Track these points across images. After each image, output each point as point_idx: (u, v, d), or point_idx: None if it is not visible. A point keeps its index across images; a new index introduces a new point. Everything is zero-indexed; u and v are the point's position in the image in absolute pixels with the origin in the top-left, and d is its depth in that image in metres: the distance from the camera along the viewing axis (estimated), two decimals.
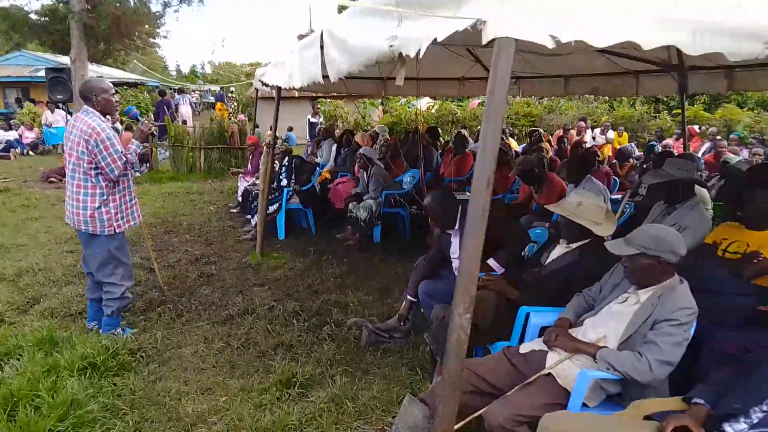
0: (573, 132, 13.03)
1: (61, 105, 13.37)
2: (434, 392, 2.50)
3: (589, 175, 4.99)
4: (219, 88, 25.28)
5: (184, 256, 6.18)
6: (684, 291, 2.30)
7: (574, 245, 3.02)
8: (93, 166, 3.71)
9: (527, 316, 2.82)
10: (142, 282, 5.19)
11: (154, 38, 15.08)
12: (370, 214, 6.69)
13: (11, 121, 15.20)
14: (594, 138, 13.76)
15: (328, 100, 14.48)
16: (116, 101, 3.94)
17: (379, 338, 3.90)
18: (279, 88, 5.22)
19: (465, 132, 9.37)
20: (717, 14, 1.52)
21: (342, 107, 14.76)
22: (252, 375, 3.46)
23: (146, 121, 4.20)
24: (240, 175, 8.92)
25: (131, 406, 3.09)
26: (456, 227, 3.70)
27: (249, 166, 8.84)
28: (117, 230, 3.87)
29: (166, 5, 12.59)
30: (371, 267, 5.79)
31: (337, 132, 10.62)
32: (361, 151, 7.05)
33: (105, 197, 3.78)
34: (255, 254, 6.12)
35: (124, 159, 3.75)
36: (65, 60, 13.98)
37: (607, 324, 2.42)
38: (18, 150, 13.96)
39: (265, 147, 6.70)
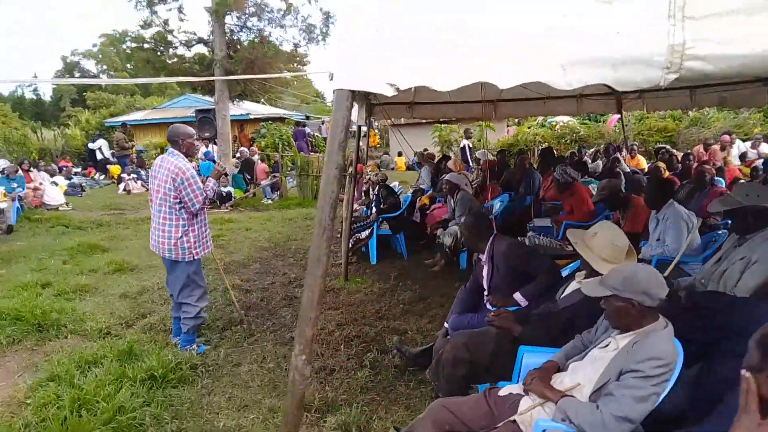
0: (716, 147, 11.69)
1: (208, 143, 15.19)
2: (413, 428, 2.50)
3: (671, 200, 4.52)
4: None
5: (279, 279, 6.68)
6: (661, 339, 2.05)
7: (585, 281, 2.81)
8: (178, 201, 4.25)
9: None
10: (230, 303, 5.72)
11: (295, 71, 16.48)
12: (455, 241, 6.68)
13: None
14: (746, 154, 12.19)
15: (443, 125, 14.64)
16: (197, 145, 4.48)
17: (408, 362, 3.93)
18: None
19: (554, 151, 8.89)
20: (591, 45, 1.41)
21: (458, 131, 14.82)
22: (284, 396, 3.68)
23: (219, 163, 4.70)
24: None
25: (174, 416, 3.46)
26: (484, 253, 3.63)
27: (354, 192, 9.29)
28: (195, 257, 4.37)
29: (296, 46, 13.87)
30: (446, 294, 5.76)
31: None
32: (446, 177, 7.09)
33: (186, 228, 4.30)
34: (340, 278, 6.42)
35: (204, 195, 4.25)
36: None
37: (585, 370, 2.24)
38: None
39: (348, 176, 7.01)
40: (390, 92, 1.43)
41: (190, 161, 4.45)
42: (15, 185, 11.14)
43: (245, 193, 13.50)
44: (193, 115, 17.59)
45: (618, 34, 1.38)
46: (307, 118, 27.14)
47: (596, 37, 1.40)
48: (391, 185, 8.28)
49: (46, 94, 52.65)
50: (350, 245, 7.36)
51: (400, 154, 19.55)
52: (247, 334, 4.89)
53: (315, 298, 1.84)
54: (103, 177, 17.82)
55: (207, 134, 13.94)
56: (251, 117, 21.12)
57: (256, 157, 13.67)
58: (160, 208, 4.34)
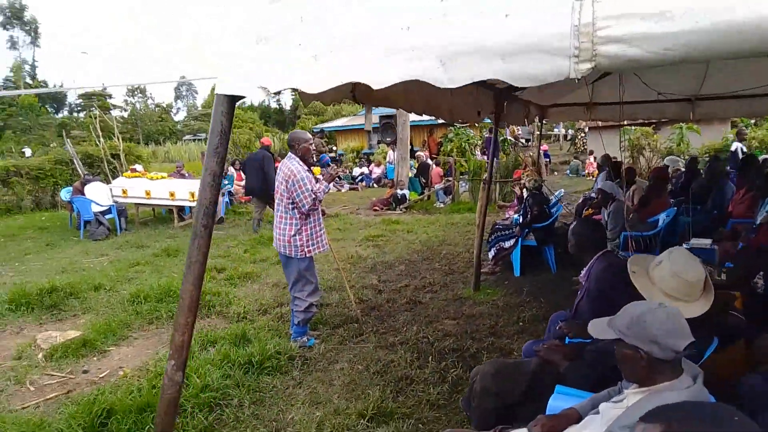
0: None
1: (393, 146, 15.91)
2: None
3: None
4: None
5: (415, 282, 6.71)
6: (667, 400, 1.57)
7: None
8: (290, 201, 4.58)
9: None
10: (357, 302, 5.92)
11: None
12: None
13: (371, 158, 18.92)
14: None
15: (633, 127, 13.10)
16: (313, 149, 4.75)
17: None
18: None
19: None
20: (473, 32, 1.15)
21: (650, 135, 13.11)
22: (355, 400, 3.69)
23: (333, 167, 4.90)
24: (507, 207, 9.06)
25: (254, 401, 3.73)
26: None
27: (515, 200, 8.90)
28: (307, 254, 4.64)
29: None
30: None
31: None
32: (599, 185, 6.36)
33: (299, 227, 4.60)
34: (469, 288, 6.21)
35: (314, 196, 4.51)
36: None
37: (594, 426, 1.82)
38: (364, 183, 17.21)
39: (481, 182, 6.72)
40: (262, 95, 1.35)
41: (308, 165, 4.72)
42: (225, 182, 13.04)
43: (419, 195, 13.83)
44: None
45: (507, 17, 1.09)
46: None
47: (480, 21, 1.13)
48: (546, 193, 7.71)
49: (287, 104, 60.41)
50: (494, 254, 7.09)
51: (596, 159, 18.12)
52: (357, 333, 5.01)
53: (186, 305, 1.83)
54: None
55: (388, 139, 14.61)
56: (440, 122, 21.50)
57: (432, 162, 13.89)
58: (278, 208, 4.69)
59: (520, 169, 10.15)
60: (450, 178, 13.37)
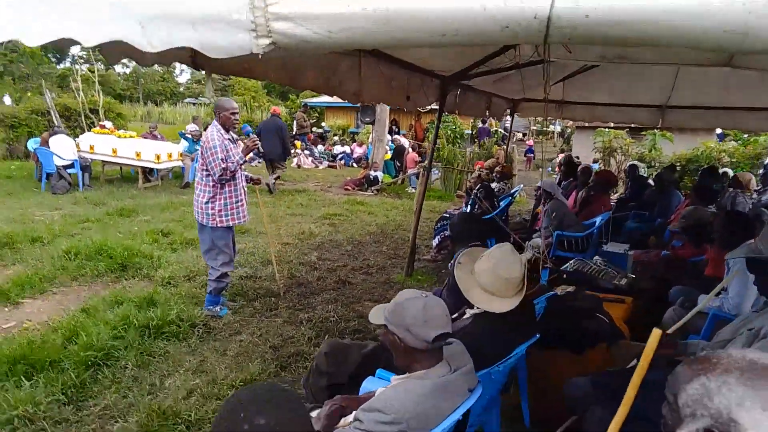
0: None
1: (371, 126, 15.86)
2: None
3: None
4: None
5: (354, 263, 6.72)
6: (408, 389, 1.59)
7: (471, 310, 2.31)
8: (204, 168, 4.57)
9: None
10: (288, 277, 5.93)
11: None
12: (535, 254, 5.99)
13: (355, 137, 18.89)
14: None
15: (606, 129, 13.06)
16: (235, 119, 4.70)
17: None
18: None
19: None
20: None
21: (623, 137, 13.06)
22: (238, 371, 3.71)
23: (253, 138, 4.84)
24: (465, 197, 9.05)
25: (137, 364, 3.74)
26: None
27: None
28: (219, 225, 4.62)
29: None
30: None
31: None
32: (540, 182, 6.35)
33: (212, 195, 4.58)
34: (402, 274, 6.23)
35: (223, 165, 4.47)
36: None
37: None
38: (343, 161, 17.16)
39: (422, 169, 6.70)
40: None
41: (228, 133, 4.67)
42: (197, 147, 12.94)
43: (393, 179, 13.80)
44: None
45: None
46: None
47: None
48: (499, 187, 7.69)
49: None
50: (438, 242, 7.11)
51: (594, 161, 18.15)
52: (272, 307, 5.02)
53: None
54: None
55: (368, 119, 14.53)
56: (430, 108, 21.34)
57: (407, 145, 13.83)
58: (198, 174, 4.68)
59: (482, 161, 10.14)
60: (423, 164, 13.31)
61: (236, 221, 4.71)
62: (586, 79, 7.19)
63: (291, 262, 6.60)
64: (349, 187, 13.19)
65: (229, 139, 4.64)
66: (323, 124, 22.82)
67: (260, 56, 1.11)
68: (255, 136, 4.77)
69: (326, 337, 4.29)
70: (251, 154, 4.73)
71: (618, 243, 5.04)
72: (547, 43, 1.18)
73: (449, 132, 19.40)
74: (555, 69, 6.45)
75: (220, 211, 4.59)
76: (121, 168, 12.46)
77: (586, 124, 18.22)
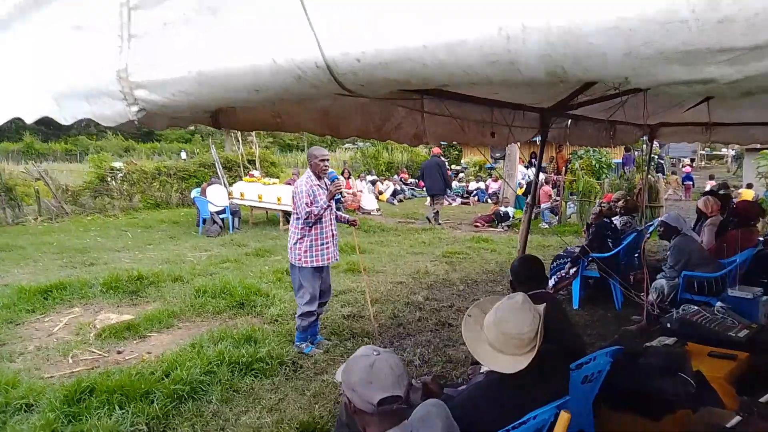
0: None
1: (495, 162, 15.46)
2: None
3: None
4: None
5: (462, 304, 6.52)
6: None
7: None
8: (295, 211, 4.85)
9: None
10: (386, 316, 5.95)
11: None
12: (661, 297, 5.33)
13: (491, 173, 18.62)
14: None
15: None
16: (324, 165, 4.92)
17: None
18: None
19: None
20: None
21: None
22: (309, 412, 3.77)
23: (336, 182, 4.99)
24: None
25: (221, 399, 3.98)
26: None
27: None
28: (304, 264, 4.83)
29: None
30: None
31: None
32: (662, 218, 5.65)
33: (300, 236, 4.83)
34: None
35: (308, 209, 4.70)
36: None
37: None
38: (477, 198, 16.92)
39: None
40: None
41: (320, 179, 4.91)
42: None
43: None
44: None
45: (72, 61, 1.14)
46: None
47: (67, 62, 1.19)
48: (625, 222, 6.99)
49: None
50: (554, 282, 6.65)
51: (749, 186, 15.93)
52: (358, 347, 5.04)
53: None
54: None
55: (498, 155, 14.25)
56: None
57: (542, 179, 13.24)
58: (291, 218, 5.00)
59: (611, 193, 9.27)
60: (558, 198, 12.64)
61: (320, 262, 4.87)
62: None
63: (397, 302, 6.61)
64: (479, 224, 12.96)
65: (317, 185, 4.87)
66: (462, 161, 22.86)
67: (136, 122, 1.17)
68: (339, 180, 4.93)
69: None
70: (337, 196, 4.90)
71: (749, 287, 4.26)
72: (348, 90, 1.13)
73: (594, 163, 18.28)
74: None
75: (306, 251, 4.80)
76: (266, 212, 13.62)
77: (759, 146, 16.01)
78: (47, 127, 44.67)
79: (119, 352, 5.07)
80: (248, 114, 2.46)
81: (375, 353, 1.68)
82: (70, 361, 4.87)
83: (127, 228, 12.62)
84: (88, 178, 14.74)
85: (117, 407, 3.69)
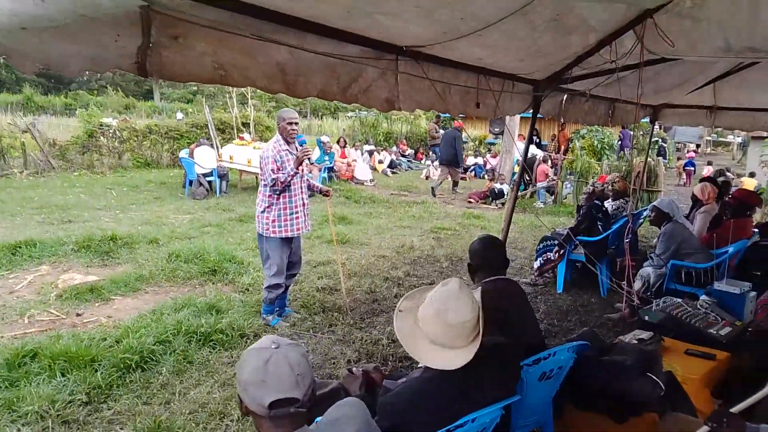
0: None
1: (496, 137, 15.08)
2: None
3: None
4: None
5: (438, 279, 6.32)
6: None
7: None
8: (262, 178, 4.59)
9: None
10: (362, 291, 5.74)
11: None
12: (646, 286, 5.10)
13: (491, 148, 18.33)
14: None
15: None
16: (292, 129, 4.61)
17: None
18: None
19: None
20: None
21: None
22: None
23: (304, 147, 4.67)
24: None
25: (173, 370, 3.77)
26: None
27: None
28: (272, 234, 4.58)
29: None
30: None
31: None
32: (655, 202, 5.38)
33: (267, 205, 4.57)
34: None
35: (274, 176, 4.43)
36: None
37: None
38: (474, 173, 16.60)
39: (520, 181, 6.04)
40: None
41: (288, 143, 4.61)
42: (326, 159, 13.42)
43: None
44: None
45: None
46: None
47: None
48: (617, 206, 6.72)
49: None
50: (540, 264, 6.42)
51: (752, 175, 15.61)
52: (331, 323, 4.85)
53: None
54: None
55: (497, 129, 13.89)
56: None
57: (539, 157, 12.91)
58: (260, 185, 4.75)
59: (605, 174, 8.97)
60: (555, 177, 12.33)
61: (289, 233, 4.62)
62: (742, 79, 5.91)
63: (376, 276, 6.40)
64: (473, 200, 12.69)
65: (286, 150, 4.58)
66: (463, 135, 22.38)
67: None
68: (306, 146, 4.64)
69: (362, 360, 4.00)
70: (305, 163, 4.61)
71: (737, 281, 4.01)
72: None
73: (596, 142, 17.90)
74: (698, 69, 5.47)
75: (274, 221, 4.55)
76: (256, 177, 13.31)
77: (765, 134, 15.62)
78: (48, 80, 44.20)
79: (78, 315, 4.87)
80: (182, 63, 2.18)
81: (273, 346, 1.44)
82: (26, 321, 4.67)
83: (113, 186, 12.33)
84: (76, 134, 14.38)
85: (60, 374, 3.49)
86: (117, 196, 11.20)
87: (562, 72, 4.79)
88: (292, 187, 4.58)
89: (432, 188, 13.30)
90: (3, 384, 3.37)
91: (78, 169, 13.84)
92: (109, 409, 3.25)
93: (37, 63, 1.75)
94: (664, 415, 2.27)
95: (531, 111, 5.35)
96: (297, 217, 4.67)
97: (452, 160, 13.76)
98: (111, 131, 14.63)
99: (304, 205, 4.73)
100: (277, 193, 4.51)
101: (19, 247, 6.53)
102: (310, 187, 4.95)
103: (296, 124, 4.62)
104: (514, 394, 1.92)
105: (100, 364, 3.66)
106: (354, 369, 2.26)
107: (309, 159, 4.65)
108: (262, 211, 4.59)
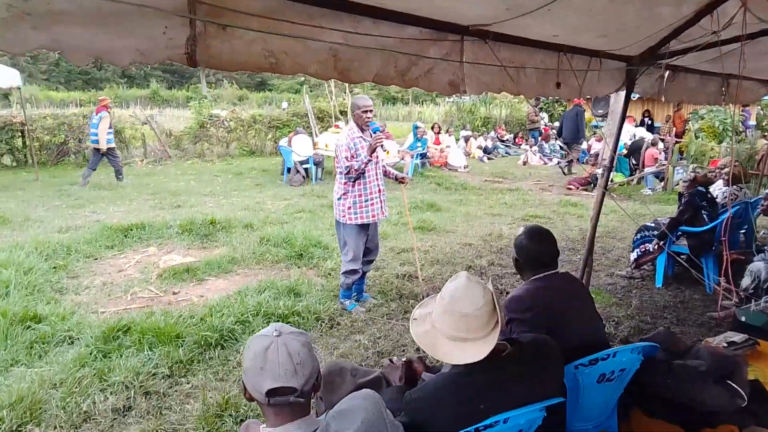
0: None
1: (603, 119, 14.10)
2: None
3: None
4: None
5: None
6: None
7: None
8: (337, 166, 4.64)
9: None
10: (444, 278, 5.66)
11: None
12: (757, 283, 4.58)
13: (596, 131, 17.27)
14: None
15: None
16: (367, 117, 4.60)
17: None
18: None
19: None
20: None
21: None
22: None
23: (377, 135, 4.60)
24: None
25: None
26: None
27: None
28: (348, 221, 4.63)
29: None
30: None
31: None
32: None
33: (344, 192, 4.62)
34: None
35: (348, 164, 4.45)
36: None
37: None
38: (576, 159, 15.75)
39: (601, 171, 5.60)
40: None
41: (363, 131, 4.62)
42: (419, 145, 13.35)
43: (627, 178, 12.18)
44: None
45: None
46: None
47: None
48: (725, 194, 6.06)
49: None
50: (637, 256, 5.98)
51: None
52: (407, 310, 4.83)
53: None
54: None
55: (600, 111, 13.04)
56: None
57: (648, 140, 11.96)
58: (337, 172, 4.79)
59: (718, 159, 8.04)
60: (665, 162, 11.37)
61: (365, 219, 4.63)
62: None
63: (458, 264, 6.29)
64: (573, 186, 12.07)
65: (360, 137, 4.59)
66: (541, 116, 21.35)
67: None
68: (380, 133, 4.60)
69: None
70: (378, 150, 4.57)
71: None
72: None
73: (717, 123, 16.32)
74: None
75: (349, 208, 4.59)
76: None
77: None
78: (172, 75, 48.02)
79: (174, 294, 5.24)
80: (231, 52, 2.22)
81: (275, 333, 1.43)
82: (129, 298, 5.10)
83: (219, 174, 13.17)
84: (188, 124, 15.49)
85: (148, 348, 3.78)
86: (222, 183, 11.94)
87: (658, 47, 4.37)
88: (367, 174, 4.59)
89: (560, 167, 13.99)
90: (98, 355, 3.71)
91: (191, 158, 14.92)
92: (187, 383, 3.47)
93: (89, 56, 1.86)
94: (745, 429, 2.01)
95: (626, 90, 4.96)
96: (372, 204, 4.67)
97: (575, 137, 13.95)
98: (219, 121, 15.57)
99: (380, 191, 4.73)
100: (352, 180, 4.54)
101: (131, 230, 7.16)
102: (385, 174, 4.93)
103: (371, 111, 4.62)
104: (556, 395, 1.78)
105: (184, 341, 3.91)
106: (395, 359, 2.21)
107: (382, 146, 4.62)
108: (339, 198, 4.65)
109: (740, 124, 16.49)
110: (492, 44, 3.30)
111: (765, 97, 7.45)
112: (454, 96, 24.83)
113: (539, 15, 2.93)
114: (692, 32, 3.85)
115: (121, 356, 3.66)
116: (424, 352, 3.79)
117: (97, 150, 11.19)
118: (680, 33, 3.95)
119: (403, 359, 2.26)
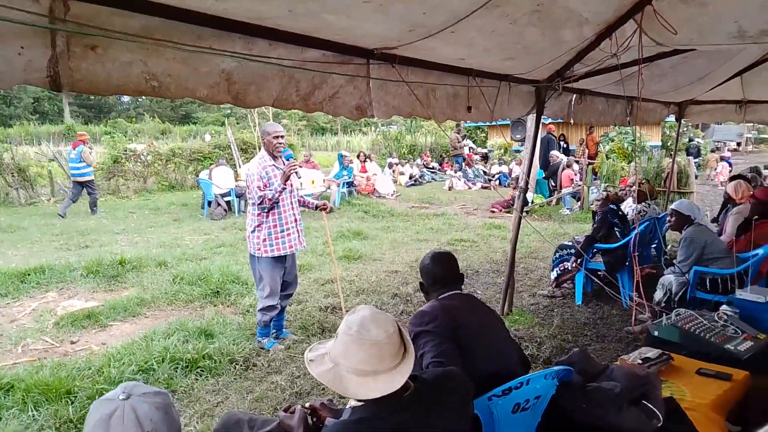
0: None
1: (521, 144, 14.65)
2: None
3: None
4: None
5: None
6: None
7: None
8: (251, 196, 4.41)
9: None
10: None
11: None
12: (669, 295, 4.71)
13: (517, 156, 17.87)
14: None
15: None
16: (278, 143, 4.43)
17: None
18: None
19: None
20: None
21: None
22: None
23: (290, 162, 4.46)
24: None
25: None
26: None
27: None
28: (263, 254, 4.38)
29: None
30: None
31: None
32: (673, 206, 4.97)
33: (257, 223, 4.38)
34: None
35: (260, 194, 4.24)
36: None
37: None
38: (499, 182, 16.19)
39: (519, 190, 5.71)
40: None
41: (275, 158, 4.44)
42: (345, 174, 13.26)
43: (546, 199, 12.58)
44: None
45: None
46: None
47: None
48: (636, 210, 6.31)
49: None
50: (557, 275, 6.05)
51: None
52: None
53: None
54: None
55: (518, 136, 13.51)
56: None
57: (563, 162, 12.46)
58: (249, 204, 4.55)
59: (627, 177, 8.48)
60: (581, 183, 11.85)
61: (281, 251, 4.41)
62: None
63: (384, 293, 6.14)
64: (496, 209, 12.31)
65: (272, 165, 4.40)
66: (488, 143, 22.02)
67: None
68: (293, 160, 4.45)
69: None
70: (291, 179, 4.40)
71: (764, 288, 3.60)
72: None
73: (626, 145, 17.28)
74: (718, 61, 5.08)
75: (264, 240, 4.36)
76: None
77: None
78: (88, 110, 45.79)
79: (72, 343, 4.77)
80: (104, 75, 2.01)
81: (122, 397, 1.22)
82: (19, 350, 4.59)
83: (135, 210, 12.48)
84: (101, 160, 14.68)
85: (33, 408, 3.35)
86: (137, 220, 11.30)
87: (563, 70, 4.50)
88: (282, 204, 4.39)
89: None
90: None
91: (103, 195, 14.08)
92: None
93: None
94: None
95: (535, 114, 5.06)
96: (289, 234, 4.47)
97: (544, 166, 13.94)
98: (135, 155, 14.86)
99: (296, 221, 4.53)
100: (266, 210, 4.32)
101: (28, 274, 6.55)
102: (301, 203, 4.75)
103: (282, 137, 4.45)
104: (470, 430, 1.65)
105: (75, 396, 3.51)
106: (294, 407, 2.01)
107: (297, 173, 4.45)
108: (252, 231, 4.40)
109: (646, 144, 17.59)
110: (399, 68, 3.24)
111: (668, 118, 7.89)
112: (380, 125, 25.10)
113: (444, 37, 2.90)
114: (594, 55, 3.97)
115: (0, 419, 3.22)
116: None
117: (78, 183, 11.70)
118: (583, 56, 4.06)
119: (308, 404, 2.06)
